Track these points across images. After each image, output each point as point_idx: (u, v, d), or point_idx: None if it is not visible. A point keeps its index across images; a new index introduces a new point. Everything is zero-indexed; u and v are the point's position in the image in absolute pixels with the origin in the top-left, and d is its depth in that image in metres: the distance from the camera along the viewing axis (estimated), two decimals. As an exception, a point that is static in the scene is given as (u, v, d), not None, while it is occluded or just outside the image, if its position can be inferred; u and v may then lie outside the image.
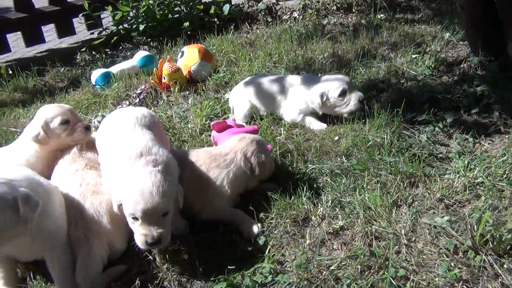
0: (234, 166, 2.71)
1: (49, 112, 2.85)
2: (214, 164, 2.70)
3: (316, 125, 3.53)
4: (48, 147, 2.83)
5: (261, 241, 2.48)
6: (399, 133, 3.20)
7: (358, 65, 4.40)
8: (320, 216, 2.57)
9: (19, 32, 6.04)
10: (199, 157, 2.75)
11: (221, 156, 2.73)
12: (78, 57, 5.69)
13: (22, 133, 2.92)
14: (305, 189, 2.71)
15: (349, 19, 6.08)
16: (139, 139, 2.44)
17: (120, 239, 2.47)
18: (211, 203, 2.66)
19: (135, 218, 2.20)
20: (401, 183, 2.73)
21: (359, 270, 2.19)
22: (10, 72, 5.01)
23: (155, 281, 2.28)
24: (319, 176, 2.91)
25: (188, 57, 4.65)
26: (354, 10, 6.32)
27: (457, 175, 2.74)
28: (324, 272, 2.21)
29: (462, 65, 4.09)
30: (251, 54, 5.01)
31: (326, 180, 2.85)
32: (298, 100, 3.58)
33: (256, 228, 2.54)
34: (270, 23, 6.32)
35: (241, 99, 3.76)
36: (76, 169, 2.67)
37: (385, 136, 3.08)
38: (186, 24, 6.12)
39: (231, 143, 2.82)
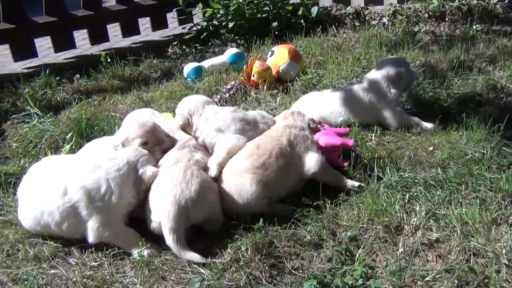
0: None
1: (132, 131, 2.92)
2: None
3: (425, 124, 3.54)
4: None
5: (352, 243, 2.49)
6: (499, 149, 3.08)
7: (452, 76, 4.27)
8: (414, 226, 2.53)
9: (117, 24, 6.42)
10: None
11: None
12: (169, 50, 5.93)
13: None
14: (398, 197, 2.68)
15: (441, 28, 5.90)
16: None
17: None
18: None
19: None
20: (502, 201, 2.63)
21: (455, 285, 2.15)
22: (109, 60, 5.32)
23: (247, 270, 2.36)
24: (412, 186, 2.86)
25: (278, 57, 4.71)
26: (447, 19, 6.12)
27: None
28: (419, 282, 2.19)
29: None
30: (340, 58, 5.00)
31: (420, 190, 2.80)
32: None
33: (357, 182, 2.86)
34: (358, 27, 6.27)
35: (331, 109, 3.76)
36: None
37: (485, 151, 2.98)
38: (274, 24, 6.20)
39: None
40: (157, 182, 2.67)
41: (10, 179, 3.16)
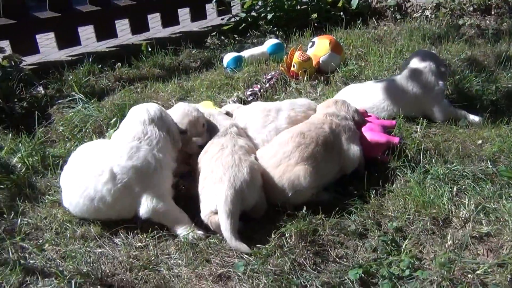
0: None
1: (175, 116, 2.94)
2: None
3: (473, 117, 3.48)
4: None
5: (397, 234, 2.45)
6: (553, 145, 2.97)
7: (500, 71, 4.14)
8: (463, 219, 2.47)
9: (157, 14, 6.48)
10: None
11: None
12: (208, 41, 5.96)
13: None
14: (446, 190, 2.62)
15: (487, 21, 5.73)
16: None
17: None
18: None
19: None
20: (558, 198, 2.53)
21: (508, 279, 2.08)
22: (150, 49, 5.39)
23: (291, 256, 2.35)
24: (461, 179, 2.79)
25: (319, 48, 4.67)
26: (493, 13, 5.93)
27: None
28: (469, 275, 2.13)
29: None
30: (381, 50, 4.92)
31: (469, 183, 2.72)
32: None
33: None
34: (399, 20, 6.15)
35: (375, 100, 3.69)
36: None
37: (538, 146, 2.88)
38: (314, 15, 6.14)
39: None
40: (207, 169, 2.69)
41: (57, 161, 3.24)
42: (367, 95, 3.65)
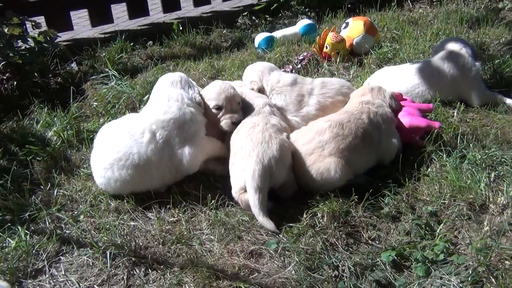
0: None
1: (212, 93, 2.98)
2: None
3: (511, 101, 3.41)
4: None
5: (432, 219, 2.41)
6: None
7: (543, 56, 3.99)
8: (501, 205, 2.41)
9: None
10: None
11: None
12: (239, 21, 5.91)
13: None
14: (483, 176, 2.56)
15: (529, 5, 5.51)
16: None
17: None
18: None
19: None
20: None
21: (547, 268, 2.03)
22: (181, 28, 5.38)
23: (323, 236, 2.34)
24: (499, 165, 2.72)
25: (353, 29, 4.58)
26: (535, -4, 5.70)
27: None
28: (507, 262, 2.09)
29: None
30: (417, 32, 4.79)
31: (507, 170, 2.65)
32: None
33: None
34: (435, 3, 5.97)
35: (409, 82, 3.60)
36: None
37: None
38: (347, -4, 6.02)
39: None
40: (237, 146, 2.69)
41: (91, 136, 3.29)
42: (401, 78, 3.57)
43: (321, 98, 3.18)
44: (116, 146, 2.71)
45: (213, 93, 2.96)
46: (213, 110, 2.96)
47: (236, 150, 2.68)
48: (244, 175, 2.52)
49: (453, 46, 3.58)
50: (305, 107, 3.17)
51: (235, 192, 2.60)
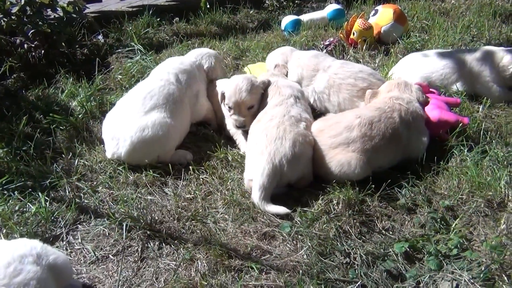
0: None
1: (227, 90, 3.04)
2: None
3: None
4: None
5: (448, 213, 2.39)
6: None
7: None
8: (520, 204, 2.38)
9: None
10: None
11: None
12: (267, 2, 5.86)
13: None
14: (504, 173, 2.52)
15: None
16: None
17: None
18: None
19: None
20: None
21: None
22: (208, 6, 5.36)
23: (337, 223, 2.35)
24: (520, 163, 2.67)
25: (382, 17, 4.50)
26: None
27: None
28: (522, 262, 2.06)
29: None
30: (447, 24, 4.68)
31: (529, 169, 2.61)
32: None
33: None
34: (469, -6, 5.81)
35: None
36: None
37: None
38: (378, -17, 5.89)
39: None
40: (254, 139, 2.71)
41: (114, 108, 3.33)
42: (427, 63, 3.58)
43: (332, 76, 3.23)
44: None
45: (227, 92, 3.02)
46: (222, 106, 3.15)
47: (252, 144, 2.72)
48: (254, 170, 2.55)
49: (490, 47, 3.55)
50: (315, 82, 3.30)
51: (245, 179, 2.65)
